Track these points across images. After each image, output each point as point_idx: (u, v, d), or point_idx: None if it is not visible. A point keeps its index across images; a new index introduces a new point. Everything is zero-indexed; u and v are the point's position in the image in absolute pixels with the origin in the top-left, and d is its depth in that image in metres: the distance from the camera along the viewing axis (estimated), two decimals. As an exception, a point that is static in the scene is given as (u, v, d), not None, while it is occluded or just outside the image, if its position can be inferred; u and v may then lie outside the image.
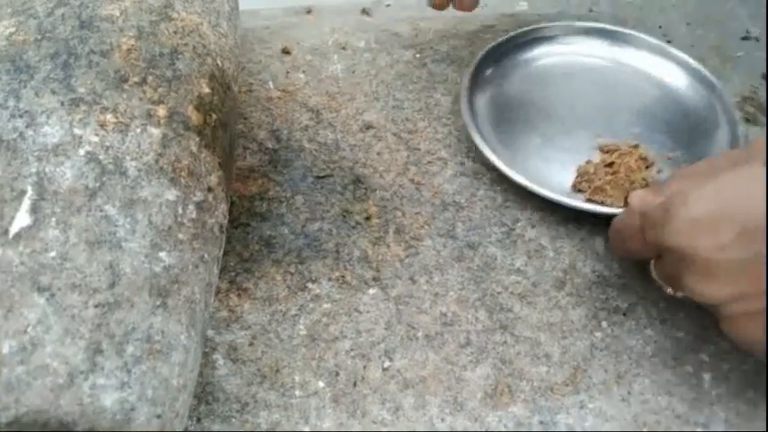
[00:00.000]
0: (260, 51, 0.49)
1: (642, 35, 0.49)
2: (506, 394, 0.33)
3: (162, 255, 0.29)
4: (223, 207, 0.34)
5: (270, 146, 0.44)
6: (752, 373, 0.36)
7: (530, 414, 0.33)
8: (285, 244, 0.40)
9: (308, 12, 0.53)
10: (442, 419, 0.33)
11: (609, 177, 0.41)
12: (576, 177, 0.41)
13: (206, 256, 0.31)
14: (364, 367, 0.34)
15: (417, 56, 0.50)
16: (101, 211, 0.28)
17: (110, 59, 0.31)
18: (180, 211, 0.30)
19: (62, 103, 0.30)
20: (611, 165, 0.41)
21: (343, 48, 0.49)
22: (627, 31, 0.50)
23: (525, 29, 0.49)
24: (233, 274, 0.38)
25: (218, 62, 0.36)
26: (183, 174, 0.31)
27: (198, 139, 0.33)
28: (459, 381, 0.34)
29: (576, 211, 0.40)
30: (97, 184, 0.28)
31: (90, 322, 0.25)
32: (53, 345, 0.24)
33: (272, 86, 0.47)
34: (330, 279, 0.38)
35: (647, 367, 0.34)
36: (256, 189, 0.42)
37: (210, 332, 0.36)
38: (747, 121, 0.47)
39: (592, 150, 0.43)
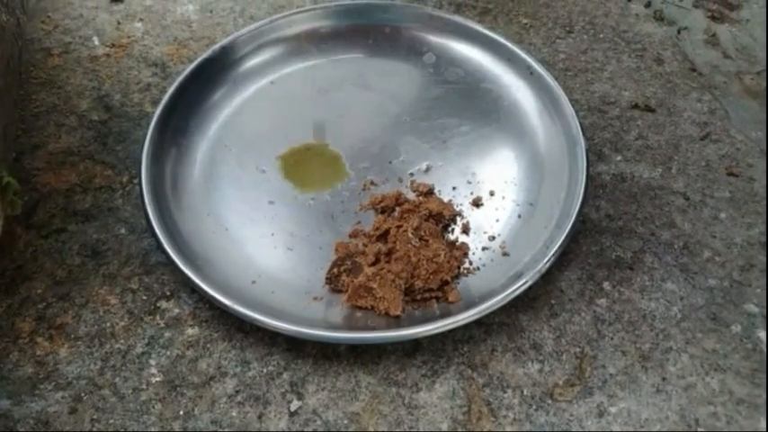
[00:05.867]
0: (80, 4, 0.35)
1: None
2: (485, 416, 0.21)
3: None
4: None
5: (95, 117, 0.31)
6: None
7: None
8: (122, 249, 0.26)
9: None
10: (393, 477, 0.21)
11: (376, 268, 0.23)
12: (332, 267, 0.24)
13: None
14: (260, 416, 0.21)
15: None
16: None
17: None
18: None
19: None
20: (385, 235, 0.25)
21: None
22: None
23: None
24: (41, 306, 0.25)
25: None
26: None
27: None
28: (412, 408, 0.21)
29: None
30: None
31: None
32: None
33: (97, 43, 0.34)
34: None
35: (679, 337, 0.23)
36: (76, 178, 0.28)
37: (5, 402, 0.22)
38: (714, 18, 0.36)
39: (359, 211, 0.26)
